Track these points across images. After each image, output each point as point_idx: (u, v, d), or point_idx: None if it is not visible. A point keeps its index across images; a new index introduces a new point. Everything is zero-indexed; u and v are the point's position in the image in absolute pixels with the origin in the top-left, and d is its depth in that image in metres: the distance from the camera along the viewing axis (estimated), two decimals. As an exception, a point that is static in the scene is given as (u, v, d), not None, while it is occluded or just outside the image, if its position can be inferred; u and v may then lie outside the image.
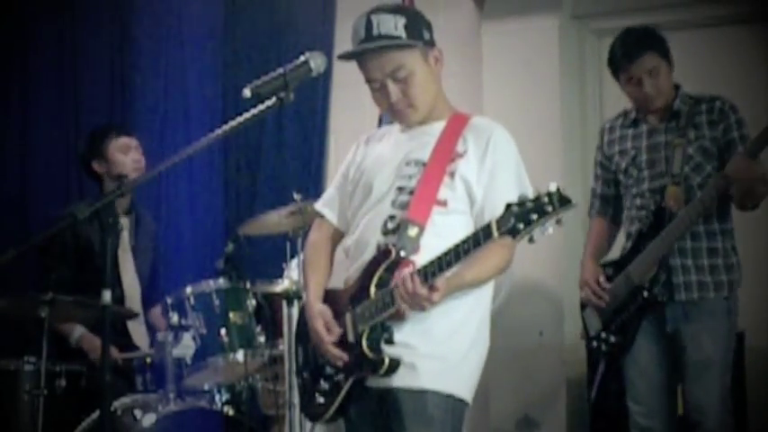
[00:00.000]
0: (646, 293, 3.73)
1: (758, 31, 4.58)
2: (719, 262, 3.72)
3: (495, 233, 2.58)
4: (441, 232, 2.84)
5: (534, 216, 2.52)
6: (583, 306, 3.97)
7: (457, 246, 2.67)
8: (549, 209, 2.51)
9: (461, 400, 2.90)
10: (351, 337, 2.87)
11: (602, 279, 3.85)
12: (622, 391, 3.92)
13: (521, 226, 2.53)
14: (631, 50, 3.76)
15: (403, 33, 2.89)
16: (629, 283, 3.78)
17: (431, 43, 2.97)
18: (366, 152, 3.07)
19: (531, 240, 2.55)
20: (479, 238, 2.63)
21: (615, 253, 3.98)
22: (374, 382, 2.85)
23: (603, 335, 3.88)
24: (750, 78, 4.33)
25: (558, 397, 4.83)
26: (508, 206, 2.56)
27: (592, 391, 4.30)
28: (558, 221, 2.53)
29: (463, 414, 2.91)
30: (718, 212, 3.72)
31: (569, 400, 4.81)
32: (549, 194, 2.52)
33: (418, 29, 2.93)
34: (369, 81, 2.97)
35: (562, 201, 2.51)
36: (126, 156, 4.48)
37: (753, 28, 4.47)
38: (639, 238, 3.78)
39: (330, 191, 3.16)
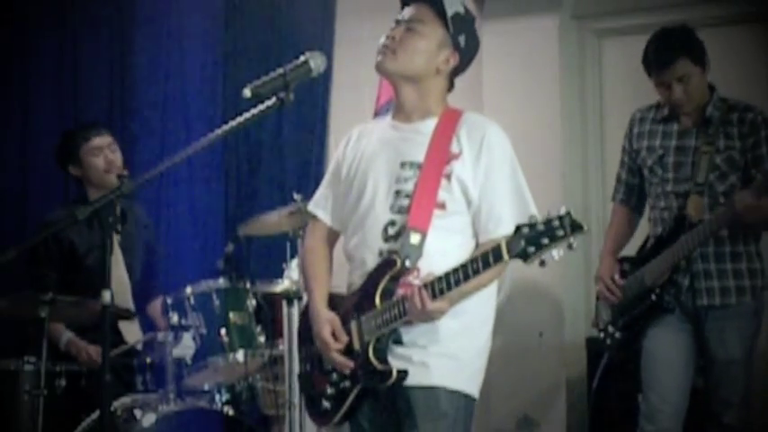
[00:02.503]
0: (654, 297, 3.75)
1: (758, 31, 4.58)
2: (743, 266, 3.73)
3: (506, 256, 2.58)
4: (441, 235, 2.85)
5: (545, 240, 2.51)
6: (598, 296, 4.01)
7: (466, 265, 2.67)
8: (561, 233, 2.50)
9: (471, 398, 2.91)
10: (357, 346, 2.86)
11: (616, 277, 3.88)
12: (626, 389, 3.93)
13: (531, 249, 2.53)
14: (663, 56, 3.73)
15: (450, 12, 2.93)
16: (640, 285, 3.80)
17: (457, 47, 2.97)
18: (357, 149, 3.04)
19: (542, 264, 2.55)
20: (489, 259, 2.62)
21: (635, 245, 4.00)
22: (386, 385, 2.84)
23: (611, 329, 3.93)
24: (750, 78, 4.33)
25: (557, 397, 4.83)
26: (518, 228, 2.55)
27: (593, 382, 4.32)
28: (570, 246, 2.52)
29: (473, 411, 2.93)
30: None
31: (569, 400, 4.81)
32: (561, 218, 2.51)
33: (460, 26, 2.97)
34: (395, 22, 2.99)
35: (574, 226, 2.50)
36: (97, 157, 4.42)
37: (753, 28, 4.47)
38: (658, 242, 3.80)
39: (321, 190, 3.14)
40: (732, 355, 3.71)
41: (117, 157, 4.46)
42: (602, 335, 3.99)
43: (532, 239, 2.53)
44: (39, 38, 5.88)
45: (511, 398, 4.85)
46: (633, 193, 3.98)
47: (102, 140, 4.47)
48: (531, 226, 2.53)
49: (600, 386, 4.43)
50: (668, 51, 3.73)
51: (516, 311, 4.70)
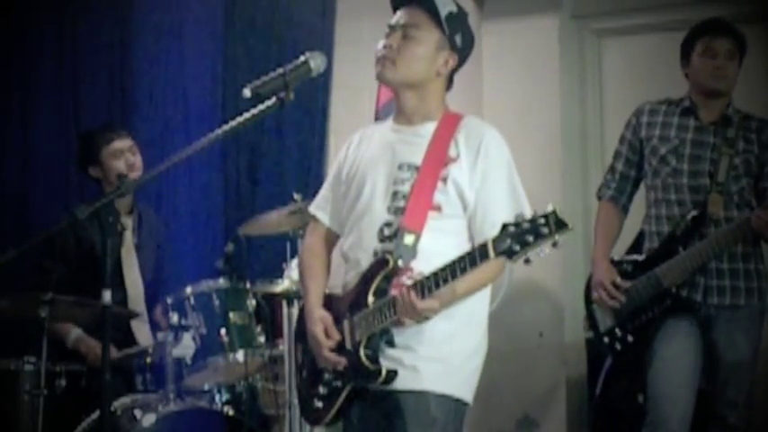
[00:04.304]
0: (675, 298, 3.72)
1: (758, 31, 4.58)
2: (752, 267, 3.74)
3: (492, 253, 2.58)
4: (437, 236, 2.86)
5: (530, 238, 2.52)
6: (592, 301, 3.94)
7: (453, 263, 2.67)
8: (546, 231, 2.50)
9: (463, 402, 2.91)
10: (348, 345, 2.87)
11: (618, 279, 3.83)
12: (631, 390, 3.92)
13: (517, 247, 2.53)
14: (721, 28, 3.80)
15: (444, 12, 2.92)
16: (656, 286, 3.75)
17: (454, 47, 2.96)
18: (358, 152, 3.06)
19: (527, 261, 2.55)
20: (476, 258, 2.63)
21: (624, 244, 3.97)
22: (375, 385, 2.85)
23: (618, 332, 3.87)
24: (750, 78, 4.32)
25: (558, 397, 4.83)
26: (504, 226, 2.56)
27: (596, 386, 4.29)
28: (555, 244, 2.52)
29: (464, 415, 2.93)
30: None
31: (569, 400, 4.81)
32: (546, 216, 2.51)
33: (455, 26, 2.96)
34: (388, 27, 2.98)
35: (559, 224, 2.50)
36: (119, 160, 4.43)
37: (753, 28, 4.46)
38: (671, 241, 3.75)
39: (323, 192, 3.16)
40: (741, 356, 3.71)
41: (138, 159, 4.48)
42: (606, 339, 3.91)
43: (518, 237, 2.53)
44: (39, 38, 5.88)
45: (511, 398, 4.85)
46: (625, 189, 3.95)
47: (123, 143, 4.48)
48: (517, 224, 2.54)
49: (604, 389, 4.39)
50: (726, 25, 3.81)
51: (516, 311, 4.70)
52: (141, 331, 4.43)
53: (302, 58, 2.77)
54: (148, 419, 3.83)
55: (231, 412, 4.10)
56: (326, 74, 5.18)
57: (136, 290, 4.46)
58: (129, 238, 4.49)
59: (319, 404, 2.98)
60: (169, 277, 4.73)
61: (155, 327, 4.50)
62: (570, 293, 4.87)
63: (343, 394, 2.90)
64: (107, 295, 2.69)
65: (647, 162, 3.86)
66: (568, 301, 4.85)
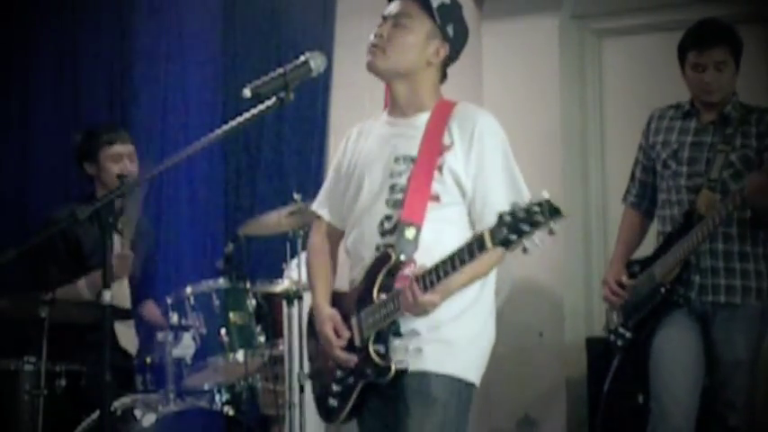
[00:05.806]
0: (663, 292, 3.74)
1: (758, 31, 4.58)
2: (751, 267, 3.73)
3: (489, 244, 2.58)
4: (437, 227, 2.86)
5: (526, 227, 2.51)
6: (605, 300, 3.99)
7: (452, 256, 2.67)
8: (540, 219, 2.50)
9: (468, 383, 2.91)
10: (358, 342, 2.89)
11: (624, 279, 3.87)
12: (631, 390, 3.92)
13: (513, 237, 2.53)
14: (707, 37, 3.76)
15: (436, 3, 2.93)
16: (651, 282, 3.79)
17: (447, 38, 2.96)
18: (356, 147, 3.07)
19: (525, 251, 2.54)
20: (474, 249, 2.63)
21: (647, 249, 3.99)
22: (385, 381, 2.85)
23: (621, 330, 3.91)
24: (750, 78, 4.33)
25: (558, 397, 4.83)
26: (500, 216, 2.55)
27: (604, 384, 4.30)
28: (551, 232, 2.52)
29: (470, 397, 2.92)
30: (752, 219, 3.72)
31: (569, 400, 4.82)
32: (540, 204, 2.51)
33: (447, 16, 2.96)
34: (382, 18, 2.99)
35: (553, 211, 2.50)
36: (117, 164, 4.38)
37: (753, 28, 4.47)
38: (668, 238, 3.78)
39: (324, 189, 3.17)
40: (738, 356, 3.71)
41: (135, 167, 4.43)
42: (611, 337, 3.95)
43: (513, 226, 2.53)
44: (39, 38, 5.88)
45: (511, 398, 4.86)
46: (645, 194, 3.97)
47: (125, 148, 4.43)
48: (512, 213, 2.54)
49: (611, 389, 4.40)
50: (713, 34, 3.77)
51: (516, 311, 4.70)
52: (124, 334, 4.40)
53: (302, 58, 2.77)
54: (148, 419, 3.83)
55: (231, 412, 4.10)
56: (326, 74, 5.18)
57: (122, 292, 4.40)
58: (117, 241, 4.46)
59: (334, 402, 2.99)
60: (164, 280, 4.69)
61: (141, 324, 4.47)
62: (570, 293, 4.88)
63: (357, 391, 2.91)
64: (107, 295, 2.68)
65: (656, 167, 3.88)
66: (568, 301, 4.86)
